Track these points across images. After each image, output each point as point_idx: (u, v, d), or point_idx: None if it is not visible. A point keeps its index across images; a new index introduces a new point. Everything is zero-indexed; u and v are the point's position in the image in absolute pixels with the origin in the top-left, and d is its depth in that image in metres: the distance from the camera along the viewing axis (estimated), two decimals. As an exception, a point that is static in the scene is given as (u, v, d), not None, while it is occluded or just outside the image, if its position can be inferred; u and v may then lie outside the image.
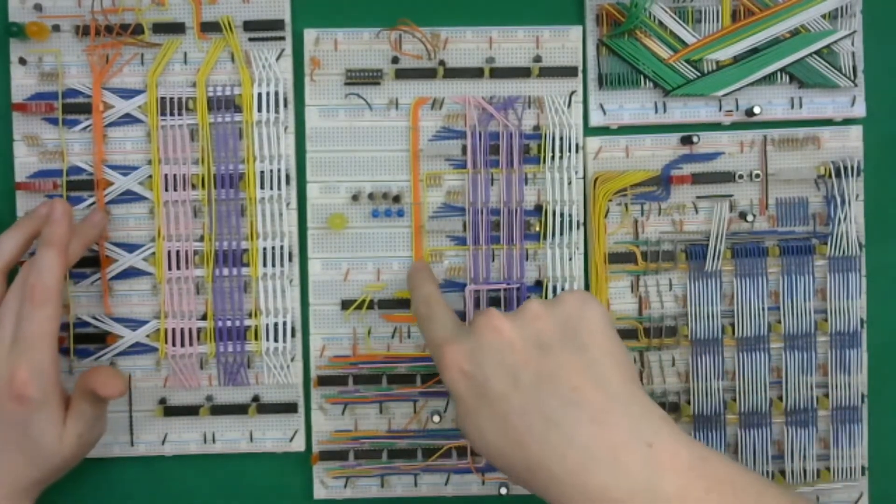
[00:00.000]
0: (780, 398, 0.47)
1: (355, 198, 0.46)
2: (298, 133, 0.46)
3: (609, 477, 0.32)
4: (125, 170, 0.45)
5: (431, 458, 0.46)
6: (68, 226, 0.40)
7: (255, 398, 0.47)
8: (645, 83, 0.46)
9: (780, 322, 0.46)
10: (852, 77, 0.46)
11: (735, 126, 0.47)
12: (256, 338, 0.46)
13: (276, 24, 0.45)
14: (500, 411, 0.35)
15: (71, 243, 0.41)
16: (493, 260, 0.46)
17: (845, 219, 0.46)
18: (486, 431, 0.35)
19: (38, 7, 0.45)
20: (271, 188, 0.45)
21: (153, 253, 0.45)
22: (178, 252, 0.45)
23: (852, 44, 0.46)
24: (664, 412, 0.35)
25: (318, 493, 0.47)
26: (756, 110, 0.46)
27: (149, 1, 0.45)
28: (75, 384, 0.41)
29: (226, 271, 0.45)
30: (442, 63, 0.46)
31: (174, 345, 0.46)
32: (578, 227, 0.46)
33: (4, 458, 0.40)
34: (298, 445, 0.47)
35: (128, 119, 0.45)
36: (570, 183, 0.46)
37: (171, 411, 0.46)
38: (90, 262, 0.45)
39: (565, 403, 0.34)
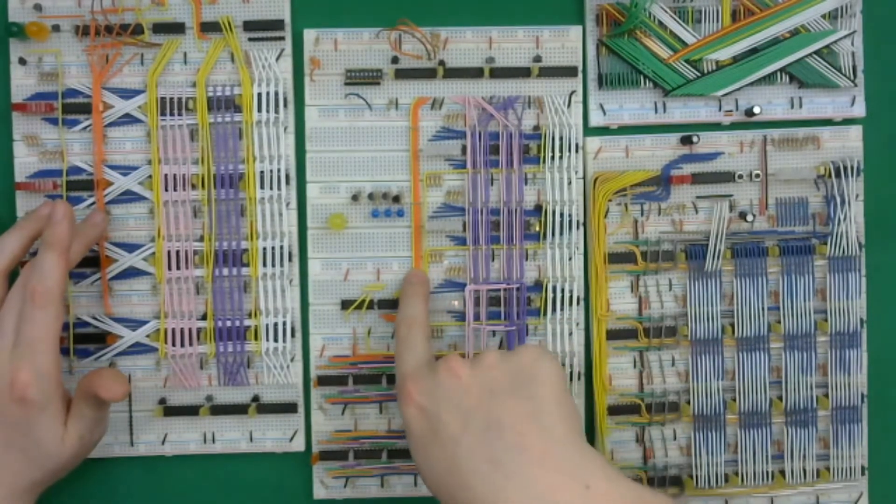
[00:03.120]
0: (780, 398, 0.47)
1: (355, 198, 0.46)
2: (298, 133, 0.46)
3: None
4: (125, 170, 0.45)
5: (431, 458, 0.46)
6: (70, 227, 0.40)
7: (255, 398, 0.47)
8: (645, 83, 0.46)
9: (779, 322, 0.46)
10: (852, 77, 0.46)
11: (735, 126, 0.47)
12: (256, 338, 0.46)
13: (276, 25, 0.45)
14: (450, 452, 0.36)
15: (72, 245, 0.41)
16: (493, 260, 0.46)
17: (845, 219, 0.46)
18: (435, 468, 0.37)
19: (38, 7, 0.45)
20: (271, 188, 0.45)
21: (153, 253, 0.45)
22: (177, 252, 0.45)
23: (852, 44, 0.46)
24: (604, 459, 0.36)
25: (318, 493, 0.47)
26: (756, 110, 0.46)
27: (149, 1, 0.45)
28: (77, 386, 0.41)
29: (225, 271, 0.45)
30: (442, 63, 0.46)
31: (174, 345, 0.46)
32: (578, 227, 0.46)
33: (6, 458, 0.40)
34: (298, 445, 0.47)
35: (128, 119, 0.45)
36: (569, 183, 0.46)
37: (170, 411, 0.46)
38: (90, 262, 0.45)
39: (509, 447, 0.36)
